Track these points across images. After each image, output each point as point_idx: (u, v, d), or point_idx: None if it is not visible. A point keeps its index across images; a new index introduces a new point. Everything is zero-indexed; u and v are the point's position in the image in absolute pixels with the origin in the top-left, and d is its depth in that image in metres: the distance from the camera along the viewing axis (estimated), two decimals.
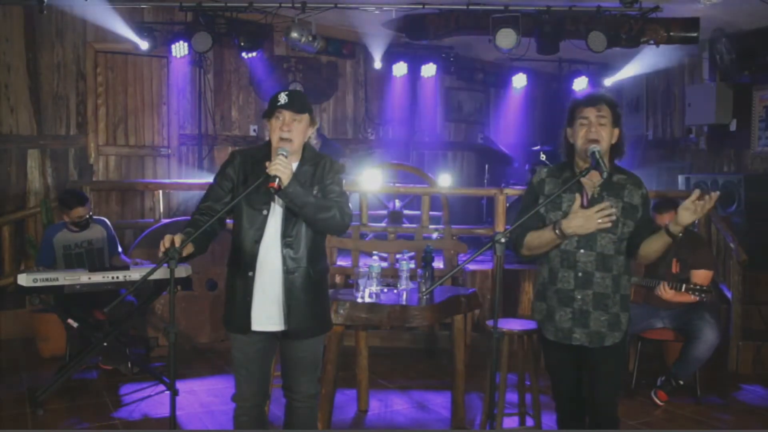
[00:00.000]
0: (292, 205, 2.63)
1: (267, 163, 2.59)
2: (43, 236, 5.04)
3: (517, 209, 6.45)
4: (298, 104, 2.69)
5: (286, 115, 2.68)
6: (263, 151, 2.80)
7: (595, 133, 2.67)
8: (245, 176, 2.76)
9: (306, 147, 2.81)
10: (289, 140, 2.68)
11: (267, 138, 2.80)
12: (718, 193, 2.50)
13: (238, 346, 2.81)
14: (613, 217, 2.61)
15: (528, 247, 2.76)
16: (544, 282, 2.83)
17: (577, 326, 2.75)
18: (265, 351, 2.82)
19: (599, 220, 2.57)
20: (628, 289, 2.81)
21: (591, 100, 2.72)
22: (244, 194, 2.67)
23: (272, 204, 2.73)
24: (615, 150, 2.76)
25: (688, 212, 2.49)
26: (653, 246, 2.65)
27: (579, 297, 2.73)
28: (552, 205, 2.74)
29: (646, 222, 2.77)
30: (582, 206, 2.65)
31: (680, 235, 2.55)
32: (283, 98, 2.68)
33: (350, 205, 2.87)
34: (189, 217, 2.81)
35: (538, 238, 2.72)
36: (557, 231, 2.63)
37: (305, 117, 2.73)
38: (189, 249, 2.60)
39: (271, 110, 2.70)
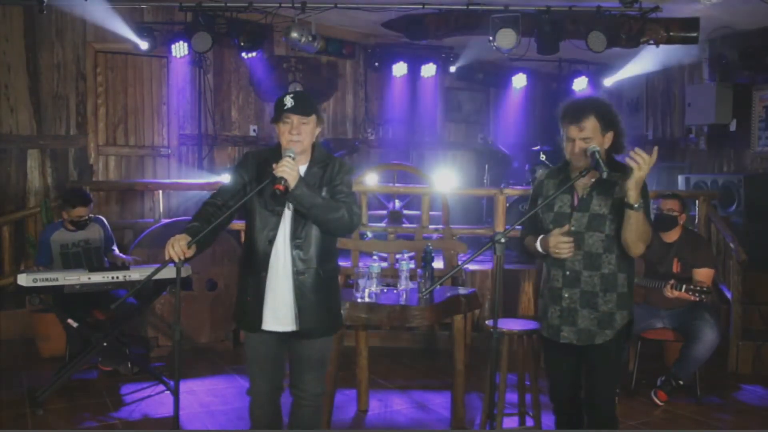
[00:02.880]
0: (299, 206, 2.64)
1: (274, 165, 2.59)
2: (40, 236, 5.04)
3: (516, 209, 6.49)
4: (304, 107, 2.70)
5: (294, 119, 2.68)
6: (275, 152, 2.80)
7: (580, 152, 2.69)
8: (258, 177, 2.75)
9: (315, 147, 2.81)
10: (299, 142, 2.69)
11: (276, 140, 2.80)
12: (656, 147, 2.55)
13: (250, 344, 2.85)
14: (569, 253, 2.71)
15: (526, 247, 2.94)
16: (542, 280, 2.92)
17: (565, 324, 2.79)
18: (276, 349, 2.84)
19: (556, 250, 2.70)
20: (628, 286, 2.80)
21: (573, 117, 2.69)
22: (249, 196, 2.68)
23: (286, 205, 2.73)
24: (612, 149, 2.76)
25: (635, 169, 2.51)
26: (626, 229, 2.63)
27: (567, 295, 2.78)
28: (546, 206, 2.81)
29: None
30: (572, 206, 2.77)
31: (636, 205, 2.55)
32: (289, 102, 2.67)
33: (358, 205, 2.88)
34: (189, 218, 2.81)
35: (529, 243, 2.90)
36: (539, 245, 2.80)
37: (312, 118, 2.74)
38: (193, 250, 2.61)
39: (279, 115, 2.70)
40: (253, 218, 2.76)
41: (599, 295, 2.74)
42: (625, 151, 2.78)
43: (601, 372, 2.80)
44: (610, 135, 2.73)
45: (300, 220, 2.72)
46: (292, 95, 2.70)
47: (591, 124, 2.67)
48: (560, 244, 2.69)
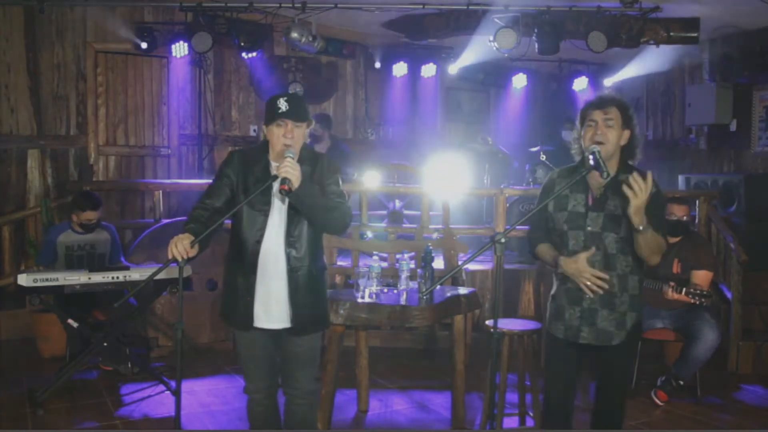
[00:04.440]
0: (301, 206, 2.66)
1: (276, 165, 2.61)
2: (46, 236, 5.03)
3: (516, 209, 6.47)
4: (299, 113, 2.72)
5: (289, 123, 2.70)
6: (261, 151, 2.83)
7: (601, 135, 2.69)
8: (244, 176, 2.78)
9: (303, 146, 2.83)
10: (291, 146, 2.71)
11: (262, 138, 2.82)
12: (650, 173, 2.55)
13: (242, 343, 2.87)
14: (601, 292, 2.70)
15: (538, 255, 2.92)
16: (557, 281, 2.89)
17: (585, 325, 2.78)
18: (270, 347, 2.86)
19: (587, 282, 2.69)
20: (639, 289, 2.81)
21: (599, 102, 2.76)
22: (253, 196, 2.68)
23: (272, 204, 2.75)
24: (626, 151, 2.77)
25: (631, 198, 2.52)
26: (637, 247, 2.67)
27: (587, 296, 2.76)
28: (558, 206, 2.80)
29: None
30: (587, 206, 2.75)
31: (641, 227, 2.56)
32: (283, 106, 2.69)
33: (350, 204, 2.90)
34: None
35: (544, 254, 2.87)
36: (556, 264, 2.78)
37: (305, 123, 2.77)
38: (196, 250, 2.61)
39: (272, 117, 2.71)
40: (240, 218, 2.78)
41: (617, 296, 2.75)
42: (637, 159, 2.80)
43: (613, 373, 2.83)
44: (627, 133, 2.75)
45: (294, 218, 2.74)
46: (285, 98, 2.71)
47: (615, 112, 2.73)
48: (596, 280, 2.69)
